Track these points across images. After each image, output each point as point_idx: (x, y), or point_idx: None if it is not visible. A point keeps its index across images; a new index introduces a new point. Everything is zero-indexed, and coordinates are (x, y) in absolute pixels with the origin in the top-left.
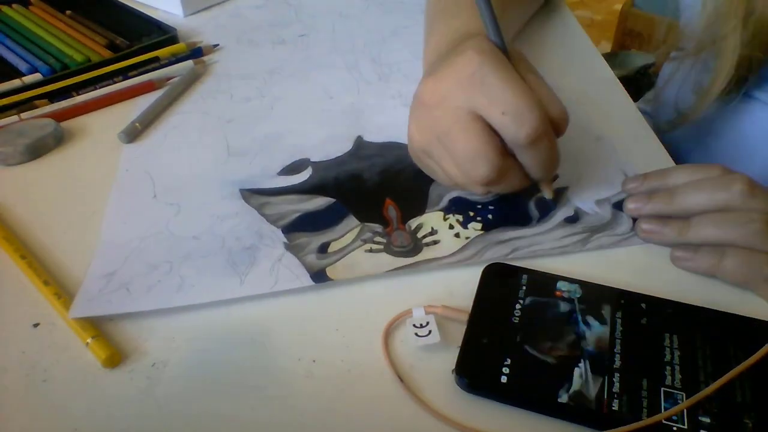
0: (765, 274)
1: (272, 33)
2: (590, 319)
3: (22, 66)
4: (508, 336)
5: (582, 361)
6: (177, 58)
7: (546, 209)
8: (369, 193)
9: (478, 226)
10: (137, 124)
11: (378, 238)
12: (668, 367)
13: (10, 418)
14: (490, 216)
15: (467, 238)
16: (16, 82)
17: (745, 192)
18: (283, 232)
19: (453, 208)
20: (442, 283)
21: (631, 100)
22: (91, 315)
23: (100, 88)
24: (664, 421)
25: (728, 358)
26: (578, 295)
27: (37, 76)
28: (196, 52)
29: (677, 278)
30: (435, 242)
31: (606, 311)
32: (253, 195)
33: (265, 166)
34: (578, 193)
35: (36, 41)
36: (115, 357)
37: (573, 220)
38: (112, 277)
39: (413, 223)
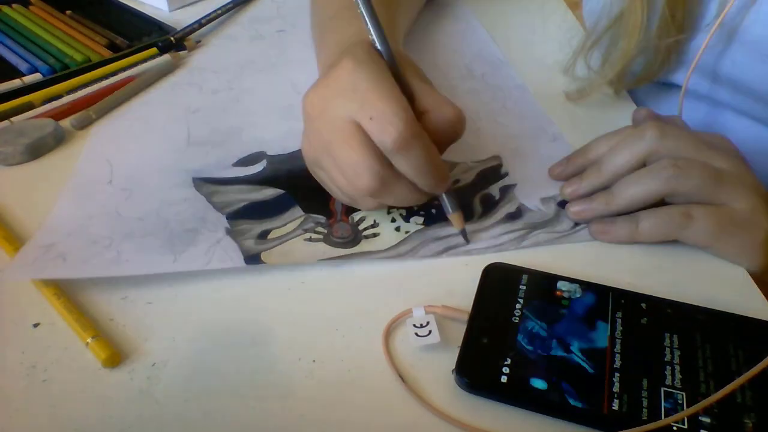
0: (678, 223)
1: (251, 28)
2: (590, 319)
3: (22, 66)
4: (508, 336)
5: (582, 360)
6: (157, 53)
7: (490, 206)
8: (319, 186)
9: (420, 220)
10: (91, 113)
11: (319, 229)
12: (668, 367)
13: (10, 418)
14: (433, 210)
15: (407, 232)
16: (16, 82)
17: (657, 136)
18: (227, 218)
19: None
20: (442, 282)
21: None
22: (23, 278)
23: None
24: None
25: (728, 359)
26: (578, 295)
27: (37, 76)
28: (180, 48)
29: (677, 278)
30: (375, 235)
31: (606, 311)
32: (205, 183)
33: (222, 157)
34: (524, 191)
35: (36, 41)
36: (115, 357)
37: (515, 216)
38: (51, 248)
39: (357, 215)
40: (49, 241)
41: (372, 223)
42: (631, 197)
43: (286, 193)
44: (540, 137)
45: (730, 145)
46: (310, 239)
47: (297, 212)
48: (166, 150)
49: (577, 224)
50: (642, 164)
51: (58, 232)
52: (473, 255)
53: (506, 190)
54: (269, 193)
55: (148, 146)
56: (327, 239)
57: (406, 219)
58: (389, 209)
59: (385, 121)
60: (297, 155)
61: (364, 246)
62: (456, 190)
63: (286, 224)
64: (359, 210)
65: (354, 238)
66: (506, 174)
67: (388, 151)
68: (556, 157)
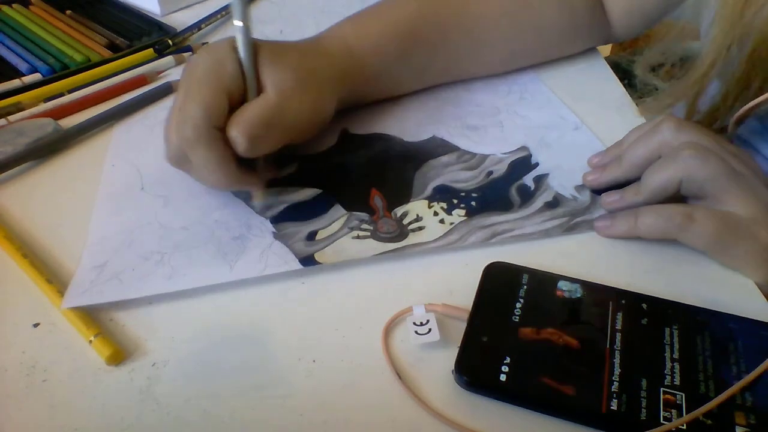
0: (677, 223)
1: (255, 30)
2: (590, 319)
3: (22, 66)
4: (508, 335)
5: (581, 360)
6: (164, 53)
7: (527, 196)
8: (355, 183)
9: (462, 212)
10: None
11: (365, 226)
12: (668, 368)
13: (10, 418)
14: (473, 203)
15: (451, 223)
16: (15, 82)
17: (672, 128)
18: (271, 222)
19: (437, 196)
20: (442, 281)
21: (626, 93)
22: (84, 305)
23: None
24: (663, 422)
25: (728, 359)
26: (579, 295)
27: (36, 76)
28: (186, 49)
29: (678, 279)
30: (420, 228)
31: (606, 311)
32: None
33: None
34: (558, 180)
35: (36, 41)
36: (118, 354)
37: (553, 205)
38: (104, 268)
39: (399, 210)
40: (100, 261)
41: (415, 217)
42: (655, 184)
43: (324, 192)
44: (562, 127)
45: (749, 157)
46: (358, 237)
47: (339, 211)
48: None
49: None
50: (658, 156)
51: (105, 249)
52: (520, 242)
53: (540, 179)
54: (307, 193)
55: None
56: (374, 235)
57: (449, 212)
58: (430, 204)
59: (183, 117)
60: (327, 153)
61: (412, 239)
62: (492, 181)
63: (331, 224)
64: (400, 206)
65: (400, 232)
66: (537, 164)
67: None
68: (582, 145)
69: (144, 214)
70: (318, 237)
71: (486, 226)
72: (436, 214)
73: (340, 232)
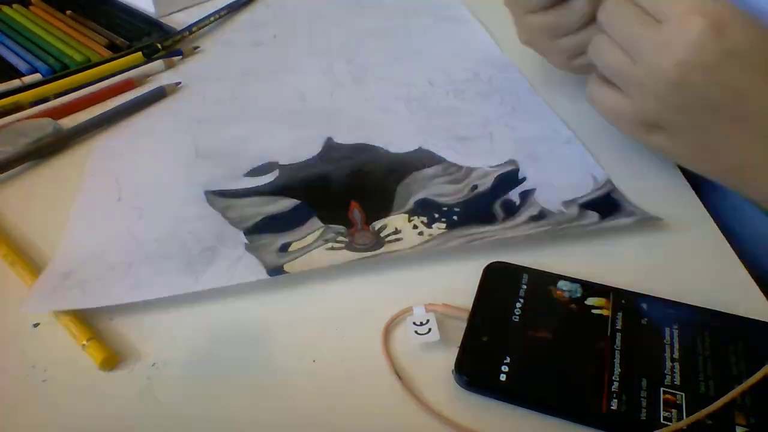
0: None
1: (249, 34)
2: (590, 319)
3: (22, 66)
4: (508, 334)
5: (581, 360)
6: (154, 57)
7: (512, 210)
8: (335, 195)
9: (443, 225)
10: None
11: (340, 238)
12: (668, 368)
13: (10, 418)
14: (455, 217)
15: (430, 235)
16: (15, 82)
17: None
18: (244, 234)
19: (419, 210)
20: (442, 281)
21: None
22: (41, 311)
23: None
24: (663, 422)
25: (728, 360)
26: (579, 295)
27: (36, 76)
28: (176, 53)
29: (677, 278)
30: (398, 240)
31: (607, 311)
32: (218, 198)
33: (233, 167)
34: (544, 196)
35: (36, 41)
36: (112, 359)
37: (538, 218)
38: (68, 276)
39: (377, 224)
40: (66, 269)
41: (394, 230)
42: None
43: (303, 203)
44: (553, 140)
45: None
46: (332, 248)
47: (316, 223)
48: (173, 163)
49: (603, 218)
50: None
51: (74, 259)
52: (502, 247)
53: (526, 195)
54: (285, 204)
55: (155, 160)
56: (349, 247)
57: (428, 225)
58: (410, 218)
59: None
60: (310, 163)
61: (388, 248)
62: (476, 195)
63: (305, 236)
64: (379, 218)
65: (376, 243)
66: (524, 179)
67: None
68: (573, 162)
69: (117, 227)
70: (291, 249)
71: (465, 236)
72: (415, 227)
73: (314, 245)
